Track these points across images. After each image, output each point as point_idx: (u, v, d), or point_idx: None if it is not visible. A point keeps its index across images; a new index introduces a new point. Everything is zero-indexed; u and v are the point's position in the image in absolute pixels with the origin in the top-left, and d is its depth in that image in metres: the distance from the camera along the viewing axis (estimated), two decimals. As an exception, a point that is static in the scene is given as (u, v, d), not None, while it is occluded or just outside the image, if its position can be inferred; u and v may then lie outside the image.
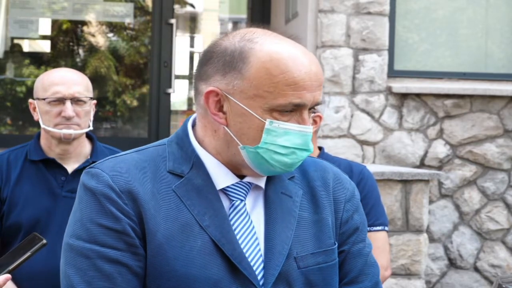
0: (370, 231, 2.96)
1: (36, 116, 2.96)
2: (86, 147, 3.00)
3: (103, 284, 1.56)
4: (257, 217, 1.67)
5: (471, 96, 5.82)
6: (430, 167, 5.76)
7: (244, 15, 7.94)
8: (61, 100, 2.89)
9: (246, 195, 1.67)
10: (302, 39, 5.80)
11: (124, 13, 7.24)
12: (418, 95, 5.79)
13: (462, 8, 6.06)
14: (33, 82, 3.14)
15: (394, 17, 5.85)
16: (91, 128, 2.98)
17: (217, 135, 1.65)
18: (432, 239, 5.74)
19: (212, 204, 1.62)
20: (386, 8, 5.72)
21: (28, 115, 3.32)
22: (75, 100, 2.90)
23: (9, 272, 2.15)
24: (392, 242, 4.91)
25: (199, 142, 1.68)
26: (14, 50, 7.25)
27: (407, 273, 4.94)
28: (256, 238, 1.64)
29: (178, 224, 1.59)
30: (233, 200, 1.65)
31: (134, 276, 1.58)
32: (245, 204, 1.66)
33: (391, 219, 4.88)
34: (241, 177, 1.67)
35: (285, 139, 1.59)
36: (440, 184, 5.81)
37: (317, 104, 1.62)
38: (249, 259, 1.62)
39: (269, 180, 1.70)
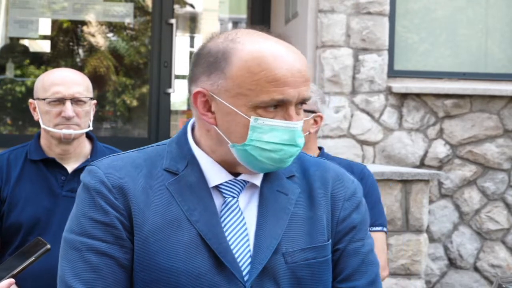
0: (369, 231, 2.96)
1: (36, 116, 2.96)
2: (86, 147, 3.00)
3: (90, 275, 1.63)
4: (250, 214, 1.70)
5: (471, 96, 5.82)
6: (430, 167, 5.76)
7: (244, 15, 7.94)
8: (61, 100, 2.89)
9: (239, 193, 1.71)
10: (302, 39, 5.80)
11: (124, 13, 7.24)
12: (418, 95, 5.79)
13: (461, 8, 6.07)
14: (33, 82, 3.14)
15: (394, 17, 5.85)
16: (91, 128, 2.98)
17: (210, 134, 1.69)
18: (432, 239, 5.74)
19: (203, 200, 1.67)
20: (386, 8, 5.72)
21: (28, 115, 3.33)
22: (75, 100, 2.90)
23: (13, 277, 2.16)
24: (392, 242, 4.91)
25: (196, 142, 1.73)
26: (14, 50, 7.26)
27: (407, 273, 4.95)
28: (246, 234, 1.68)
29: (166, 219, 1.65)
30: (226, 197, 1.69)
31: (120, 268, 1.64)
32: (237, 201, 1.70)
33: (391, 219, 4.88)
34: (236, 175, 1.71)
35: (272, 136, 1.62)
36: (440, 184, 5.82)
37: (304, 99, 1.65)
38: (236, 254, 1.66)
39: (266, 178, 1.73)
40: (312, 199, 1.75)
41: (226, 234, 1.66)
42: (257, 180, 1.72)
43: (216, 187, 1.70)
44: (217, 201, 1.69)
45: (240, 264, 1.65)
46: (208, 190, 1.68)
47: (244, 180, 1.71)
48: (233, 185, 1.70)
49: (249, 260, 1.66)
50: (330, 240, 1.74)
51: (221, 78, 1.64)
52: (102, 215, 1.64)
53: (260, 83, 1.60)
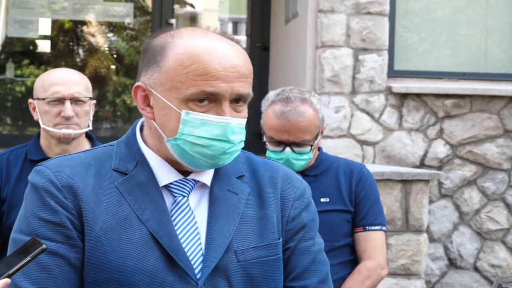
0: (368, 230, 2.97)
1: (36, 116, 2.97)
2: (85, 147, 3.00)
3: (40, 275, 1.62)
4: (201, 213, 1.70)
5: (471, 96, 5.82)
6: (430, 167, 5.76)
7: (244, 15, 7.94)
8: (60, 100, 2.89)
9: (189, 192, 1.70)
10: (302, 39, 5.80)
11: (124, 13, 7.24)
12: (418, 95, 5.79)
13: (461, 8, 6.07)
14: (33, 82, 3.15)
15: (394, 17, 5.85)
16: (90, 128, 2.98)
17: (151, 131, 1.71)
18: (432, 239, 5.74)
19: (154, 199, 1.67)
20: (386, 8, 5.72)
21: (28, 115, 3.33)
22: (75, 100, 2.90)
23: (8, 277, 2.15)
24: (392, 242, 4.91)
25: (144, 141, 1.73)
26: (14, 50, 7.26)
27: (407, 273, 4.95)
28: (198, 233, 1.68)
29: (117, 218, 1.64)
30: (176, 196, 1.69)
31: (71, 267, 1.63)
32: (188, 200, 1.70)
33: (391, 219, 4.88)
34: (186, 174, 1.71)
35: (203, 130, 1.62)
36: (440, 184, 5.81)
37: (240, 96, 1.64)
38: (188, 253, 1.65)
39: (216, 177, 1.73)
40: (262, 198, 1.75)
41: (178, 232, 1.66)
42: (207, 180, 1.72)
43: (166, 187, 1.69)
44: (168, 200, 1.69)
45: (192, 262, 1.65)
46: (158, 190, 1.68)
47: (194, 180, 1.71)
48: (183, 185, 1.70)
49: (201, 259, 1.66)
50: (281, 239, 1.75)
51: (156, 72, 1.64)
52: (52, 215, 1.63)
53: (190, 76, 1.60)
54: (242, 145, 1.68)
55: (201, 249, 1.67)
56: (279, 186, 1.78)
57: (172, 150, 1.65)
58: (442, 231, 5.81)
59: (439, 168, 5.78)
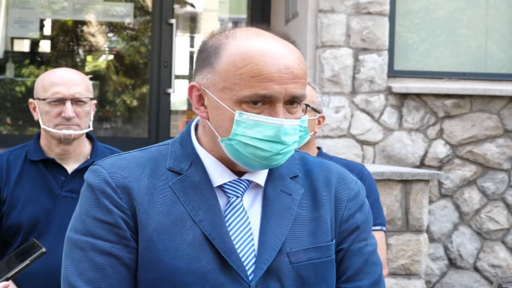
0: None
1: (36, 116, 2.96)
2: (86, 147, 3.00)
3: (94, 275, 1.62)
4: (255, 214, 1.70)
5: (471, 96, 5.82)
6: (430, 167, 5.76)
7: (244, 15, 7.94)
8: (61, 101, 2.89)
9: (243, 192, 1.71)
10: (302, 39, 5.80)
11: (124, 13, 7.24)
12: (418, 95, 5.79)
13: (462, 8, 6.07)
14: (33, 82, 3.15)
15: (394, 17, 5.85)
16: (91, 128, 2.98)
17: (205, 131, 1.71)
18: (432, 239, 5.74)
19: (207, 200, 1.67)
20: (386, 8, 5.72)
21: (28, 115, 3.33)
22: (75, 101, 2.90)
23: (7, 280, 2.15)
24: (392, 242, 4.91)
25: (199, 141, 1.73)
26: (14, 50, 7.26)
27: (407, 273, 4.95)
28: (251, 234, 1.68)
29: (170, 218, 1.65)
30: (230, 197, 1.70)
31: (125, 267, 1.64)
32: (241, 200, 1.70)
33: (391, 219, 4.88)
34: (240, 174, 1.71)
35: (256, 131, 1.62)
36: (440, 184, 5.82)
37: (294, 97, 1.63)
38: (241, 254, 1.66)
39: (270, 178, 1.73)
40: (316, 199, 1.75)
41: (231, 233, 1.66)
42: (261, 180, 1.72)
43: (220, 187, 1.70)
44: (221, 200, 1.69)
45: (245, 263, 1.65)
46: (212, 190, 1.68)
47: (248, 180, 1.71)
48: (237, 185, 1.70)
49: (253, 260, 1.66)
50: (334, 240, 1.74)
51: (210, 72, 1.66)
52: (107, 215, 1.64)
53: (244, 78, 1.60)
54: (296, 145, 1.68)
55: (254, 250, 1.67)
56: (333, 187, 1.77)
57: (226, 150, 1.66)
58: (442, 231, 5.81)
59: (439, 168, 5.78)
